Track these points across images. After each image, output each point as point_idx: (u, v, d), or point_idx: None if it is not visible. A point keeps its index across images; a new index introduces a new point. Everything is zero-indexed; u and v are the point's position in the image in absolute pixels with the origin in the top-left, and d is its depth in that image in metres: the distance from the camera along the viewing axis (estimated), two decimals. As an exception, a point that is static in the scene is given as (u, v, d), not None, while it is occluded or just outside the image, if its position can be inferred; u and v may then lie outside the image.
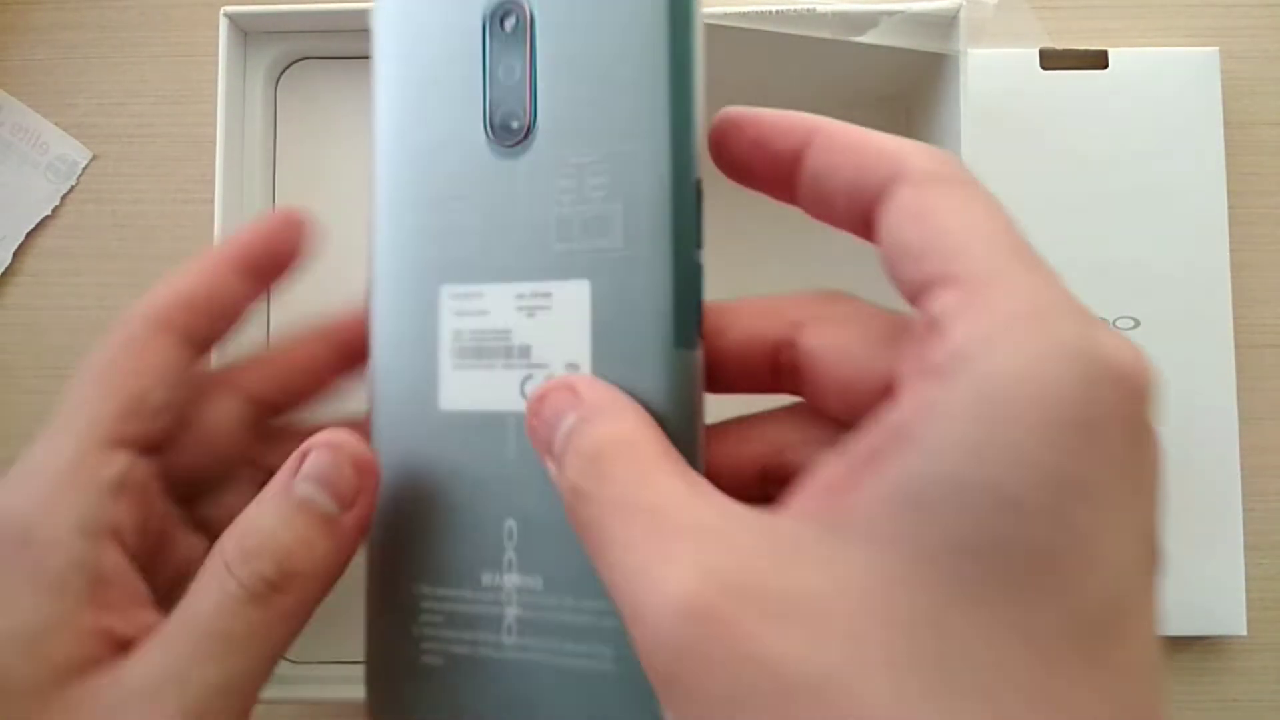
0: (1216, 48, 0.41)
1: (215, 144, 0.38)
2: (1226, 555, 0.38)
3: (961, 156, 0.35)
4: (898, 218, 0.16)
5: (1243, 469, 0.39)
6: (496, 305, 0.20)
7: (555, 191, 0.19)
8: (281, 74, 0.43)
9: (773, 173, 0.19)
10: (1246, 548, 0.39)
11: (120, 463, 0.19)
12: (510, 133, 0.20)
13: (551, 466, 0.17)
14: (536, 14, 0.20)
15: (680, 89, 0.19)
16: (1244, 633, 0.38)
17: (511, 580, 0.19)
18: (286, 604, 0.18)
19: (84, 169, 0.44)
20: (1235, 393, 0.39)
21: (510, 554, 0.19)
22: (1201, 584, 0.38)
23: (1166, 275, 0.40)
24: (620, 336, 0.19)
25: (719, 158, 0.19)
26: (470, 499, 0.20)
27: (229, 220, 0.39)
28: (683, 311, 0.19)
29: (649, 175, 0.19)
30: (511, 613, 0.19)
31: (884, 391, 0.17)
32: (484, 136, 0.20)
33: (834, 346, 0.18)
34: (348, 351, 0.22)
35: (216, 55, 0.39)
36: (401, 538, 0.20)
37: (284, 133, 0.43)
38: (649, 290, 0.19)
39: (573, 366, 0.19)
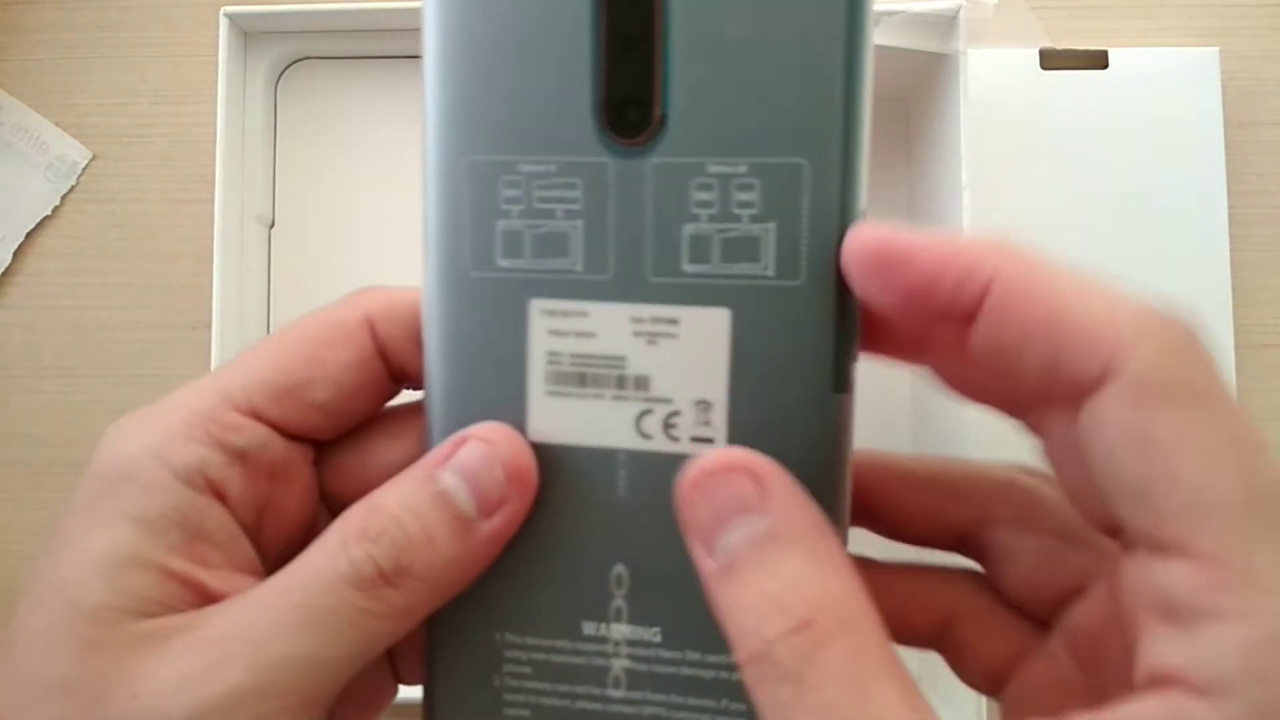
0: (1216, 48, 0.41)
1: (215, 144, 0.38)
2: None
3: (961, 157, 0.35)
4: (1111, 436, 0.13)
5: (1243, 469, 0.39)
6: (607, 327, 0.17)
7: (689, 204, 0.17)
8: (281, 74, 0.43)
9: (931, 320, 0.15)
10: (1246, 547, 0.39)
11: (252, 434, 0.18)
12: (631, 127, 0.17)
13: (704, 559, 0.16)
14: None
15: (856, 91, 0.16)
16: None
17: (621, 631, 0.18)
18: (392, 600, 0.16)
19: (84, 169, 0.44)
20: (1235, 392, 0.39)
21: (619, 602, 0.18)
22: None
23: (1166, 275, 0.40)
24: (767, 375, 0.17)
25: (862, 286, 0.16)
26: (567, 542, 0.18)
27: (229, 220, 0.39)
28: (844, 352, 0.17)
29: (816, 197, 0.16)
30: (619, 664, 0.18)
31: (1069, 591, 0.17)
32: (591, 126, 0.17)
33: (1019, 552, 0.18)
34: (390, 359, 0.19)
35: (216, 55, 0.39)
36: (481, 579, 0.18)
37: (284, 133, 0.43)
38: (807, 327, 0.16)
39: (704, 405, 0.17)
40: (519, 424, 0.18)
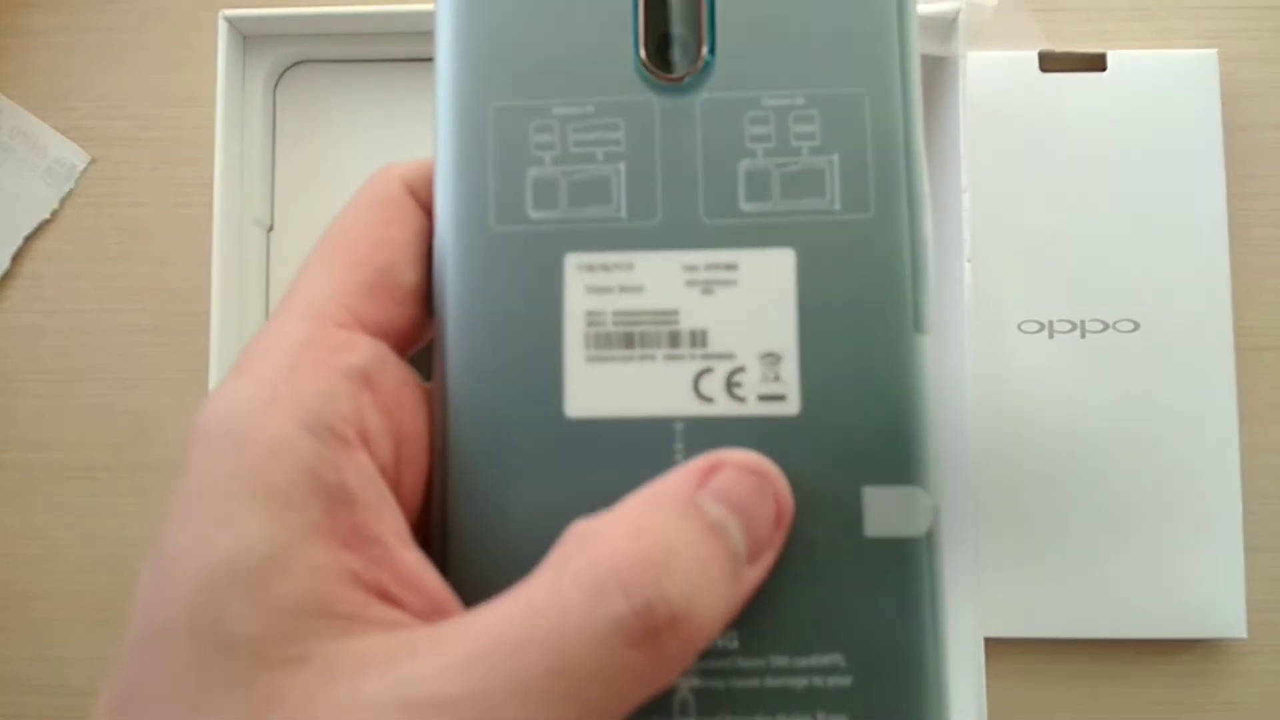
0: (1215, 50, 0.41)
1: (214, 147, 0.38)
2: (1226, 557, 0.38)
3: (961, 159, 0.35)
4: None
5: (1243, 470, 0.39)
6: (655, 279, 0.15)
7: (743, 139, 0.16)
8: (280, 77, 0.43)
9: None
10: (1246, 549, 0.39)
11: (365, 349, 0.14)
12: (676, 64, 0.16)
13: None
14: None
15: (908, 19, 0.16)
16: (1244, 635, 0.38)
17: None
18: (667, 654, 0.13)
19: (82, 172, 0.44)
20: (1235, 395, 0.39)
21: None
22: (1201, 585, 0.38)
23: (1166, 277, 0.40)
24: (841, 319, 0.15)
25: None
26: None
27: (228, 224, 0.39)
28: (921, 288, 0.15)
29: (878, 126, 0.16)
30: (686, 685, 0.15)
31: None
32: (634, 65, 0.16)
33: None
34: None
35: (216, 59, 0.39)
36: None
37: (283, 136, 0.43)
38: (883, 261, 0.15)
39: (771, 358, 0.15)
40: (555, 398, 0.15)
